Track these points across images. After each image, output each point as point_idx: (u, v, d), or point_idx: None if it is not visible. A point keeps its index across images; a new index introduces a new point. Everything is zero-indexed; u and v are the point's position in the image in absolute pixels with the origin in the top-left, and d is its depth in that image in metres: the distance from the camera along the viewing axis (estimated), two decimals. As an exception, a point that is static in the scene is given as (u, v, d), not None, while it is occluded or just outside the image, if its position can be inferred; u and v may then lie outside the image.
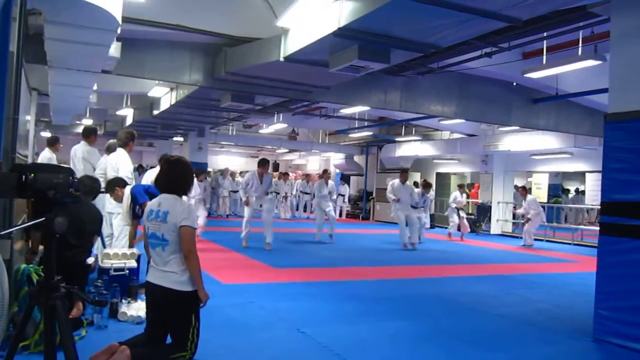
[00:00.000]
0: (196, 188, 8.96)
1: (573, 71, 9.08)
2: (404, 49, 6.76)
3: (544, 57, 8.92)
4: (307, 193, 21.55)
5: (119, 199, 6.07)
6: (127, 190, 6.00)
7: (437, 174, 21.41)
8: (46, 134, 17.00)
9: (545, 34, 8.34)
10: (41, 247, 5.02)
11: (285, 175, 22.85)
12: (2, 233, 1.91)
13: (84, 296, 3.08)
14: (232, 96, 10.88)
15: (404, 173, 13.02)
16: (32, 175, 1.83)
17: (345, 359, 4.13)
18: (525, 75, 9.26)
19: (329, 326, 5.11)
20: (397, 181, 12.72)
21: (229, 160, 29.24)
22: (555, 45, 9.06)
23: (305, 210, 21.96)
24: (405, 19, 5.85)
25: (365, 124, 18.94)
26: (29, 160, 8.73)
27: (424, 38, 6.42)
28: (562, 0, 5.52)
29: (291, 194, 21.97)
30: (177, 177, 3.87)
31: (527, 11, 5.52)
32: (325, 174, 13.63)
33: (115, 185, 6.09)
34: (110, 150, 7.41)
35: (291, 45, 7.44)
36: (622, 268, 4.77)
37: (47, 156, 9.37)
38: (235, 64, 8.82)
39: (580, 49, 8.23)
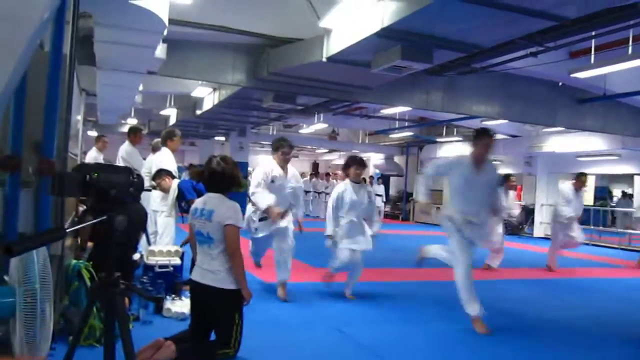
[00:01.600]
0: None
1: (622, 71, 8.80)
2: (447, 49, 6.71)
3: (592, 56, 8.69)
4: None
5: (166, 189, 6.14)
6: (174, 183, 6.09)
7: (479, 175, 21.07)
8: (93, 133, 17.48)
9: (593, 33, 8.11)
10: (89, 244, 5.18)
11: (327, 176, 22.83)
12: (68, 230, 1.98)
13: (141, 292, 3.17)
14: (274, 96, 10.97)
15: (581, 177, 9.86)
16: (96, 174, 1.91)
17: (382, 357, 4.13)
18: (572, 75, 9.03)
19: (370, 326, 5.11)
20: (568, 185, 9.99)
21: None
22: (604, 44, 8.81)
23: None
24: (449, 19, 5.81)
25: (406, 125, 18.82)
26: (79, 159, 8.98)
27: (467, 38, 6.36)
28: (613, -1, 5.38)
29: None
30: (222, 176, 3.93)
31: (576, 9, 5.41)
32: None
33: (164, 174, 6.16)
34: (155, 149, 7.55)
35: (334, 45, 7.47)
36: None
37: (93, 155, 9.64)
38: (278, 65, 8.89)
39: (630, 47, 7.99)
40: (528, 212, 17.49)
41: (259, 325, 4.72)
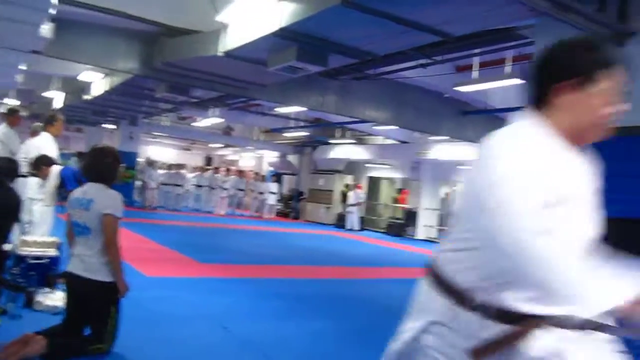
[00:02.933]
0: None
1: (501, 87, 9.50)
2: (341, 54, 6.90)
3: (475, 72, 9.30)
4: (242, 190, 21.47)
5: (44, 177, 5.83)
6: (55, 170, 5.79)
7: (369, 177, 21.80)
8: (-34, 112, 16.12)
9: (476, 51, 8.70)
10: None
11: (227, 171, 22.43)
12: None
13: (6, 281, 3.00)
14: (168, 87, 10.72)
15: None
16: None
17: (266, 355, 4.19)
18: (456, 89, 9.63)
19: (253, 322, 5.16)
20: None
21: (161, 151, 28.65)
22: (488, 61, 9.46)
23: (239, 207, 21.85)
24: (344, 26, 5.98)
25: (301, 124, 19.07)
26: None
27: (361, 45, 6.58)
28: (488, 22, 5.76)
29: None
30: (103, 166, 3.82)
31: (457, 28, 5.78)
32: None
33: (42, 163, 5.85)
34: (34, 133, 7.14)
35: (231, 41, 7.43)
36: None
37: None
38: (173, 55, 8.71)
39: (509, 67, 8.63)
40: (412, 215, 18.32)
41: (138, 320, 4.61)
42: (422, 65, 9.31)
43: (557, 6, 4.22)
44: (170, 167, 20.99)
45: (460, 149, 16.05)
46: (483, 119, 13.06)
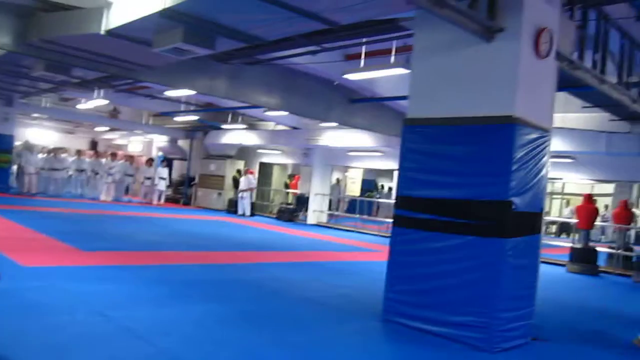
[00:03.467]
0: None
1: (388, 77, 9.88)
2: (229, 38, 6.86)
3: (362, 61, 9.59)
4: (130, 175, 20.68)
5: None
6: None
7: (261, 163, 21.83)
8: None
9: (364, 40, 8.97)
10: None
11: (113, 156, 21.36)
12: None
13: None
14: (46, 65, 10.12)
15: None
16: None
17: (148, 340, 4.15)
18: (345, 76, 9.88)
19: (135, 309, 5.07)
20: None
21: (42, 134, 26.90)
22: (375, 51, 9.76)
23: (127, 193, 21.03)
24: (232, 9, 5.97)
25: (192, 109, 18.69)
26: None
27: (249, 29, 6.58)
28: (371, 12, 5.96)
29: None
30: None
31: (343, 17, 5.94)
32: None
33: None
34: None
35: (114, 19, 7.14)
36: (408, 256, 5.38)
37: None
38: (51, 32, 8.22)
39: (393, 57, 8.98)
40: (303, 201, 18.62)
41: (10, 310, 4.40)
42: (312, 52, 9.47)
43: (432, 0, 4.46)
44: (50, 151, 19.79)
45: (350, 136, 16.52)
46: (371, 106, 13.51)
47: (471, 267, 4.93)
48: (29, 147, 19.12)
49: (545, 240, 9.67)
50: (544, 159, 5.22)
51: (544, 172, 5.22)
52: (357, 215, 17.82)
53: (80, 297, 5.25)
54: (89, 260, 7.44)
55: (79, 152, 21.26)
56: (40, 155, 19.04)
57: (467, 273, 4.95)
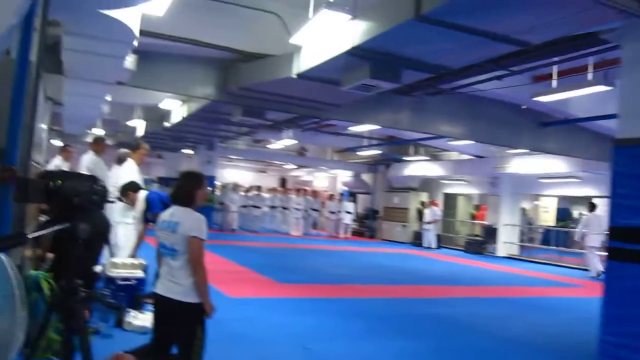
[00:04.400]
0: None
1: (583, 96, 9.10)
2: (415, 70, 6.83)
3: (554, 81, 8.96)
4: (316, 210, 21.57)
5: (132, 203, 6.05)
6: (141, 195, 6.00)
7: (445, 194, 21.39)
8: (58, 143, 17.14)
9: (555, 59, 8.39)
10: (50, 255, 5.07)
11: (300, 191, 22.50)
12: (31, 236, 1.94)
13: (101, 298, 3.12)
14: (243, 111, 10.99)
15: None
16: (60, 182, 1.88)
17: (348, 376, 4.14)
18: (535, 99, 9.30)
19: (333, 342, 5.12)
20: None
21: (237, 174, 29.31)
22: (566, 69, 9.09)
23: (314, 227, 21.95)
24: (417, 40, 5.92)
25: (374, 143, 19.00)
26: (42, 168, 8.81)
27: (435, 59, 6.48)
28: (572, 27, 5.55)
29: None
30: (189, 189, 3.91)
31: (537, 36, 5.58)
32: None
33: (129, 189, 6.08)
34: (120, 160, 7.45)
35: (304, 62, 7.53)
36: (628, 294, 4.76)
37: (56, 164, 9.46)
38: (248, 80, 8.92)
39: (591, 74, 8.27)
40: (492, 232, 17.77)
41: (222, 340, 4.67)
42: (498, 77, 9.07)
43: (645, 6, 4.00)
44: (249, 189, 21.45)
45: (541, 162, 15.47)
46: (564, 129, 12.54)
47: None
48: (232, 187, 20.83)
49: None
50: None
51: None
52: (553, 247, 16.49)
53: (281, 329, 5.44)
54: (285, 292, 7.77)
55: (274, 190, 22.73)
56: (241, 194, 20.65)
57: None
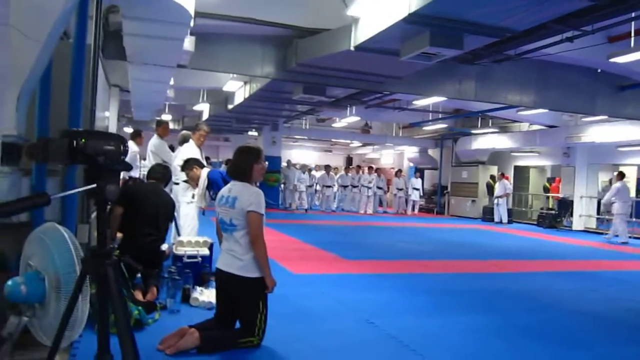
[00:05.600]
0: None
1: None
2: (477, 34, 6.54)
3: (632, 40, 8.35)
4: (380, 188, 21.37)
5: (195, 179, 6.10)
6: (204, 173, 6.05)
7: (516, 167, 20.68)
8: (129, 130, 17.72)
9: (633, 15, 7.79)
10: (119, 234, 5.21)
11: (370, 170, 22.28)
12: (54, 197, 1.92)
13: (132, 262, 3.20)
14: (304, 88, 10.94)
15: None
16: (83, 140, 1.85)
17: (415, 350, 4.02)
18: (611, 60, 8.72)
19: (400, 318, 5.01)
20: None
21: (303, 154, 29.46)
22: (646, 27, 8.47)
23: (381, 205, 21.80)
24: (477, 2, 5.65)
25: (440, 116, 18.56)
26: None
27: (498, 21, 6.17)
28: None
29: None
30: (245, 164, 3.89)
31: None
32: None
33: (189, 163, 6.14)
34: (183, 142, 7.58)
35: (361, 34, 7.37)
36: None
37: (133, 149, 9.73)
38: (306, 55, 8.85)
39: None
40: (567, 205, 17.04)
41: (285, 316, 4.67)
42: (569, 39, 8.54)
43: None
44: (318, 169, 21.53)
45: (621, 129, 14.59)
46: (645, 92, 11.77)
47: None
48: (301, 167, 20.91)
49: None
50: None
51: None
52: (634, 219, 15.59)
53: (347, 305, 5.38)
54: (352, 269, 7.71)
55: (345, 169, 22.68)
56: (308, 174, 20.72)
57: None
